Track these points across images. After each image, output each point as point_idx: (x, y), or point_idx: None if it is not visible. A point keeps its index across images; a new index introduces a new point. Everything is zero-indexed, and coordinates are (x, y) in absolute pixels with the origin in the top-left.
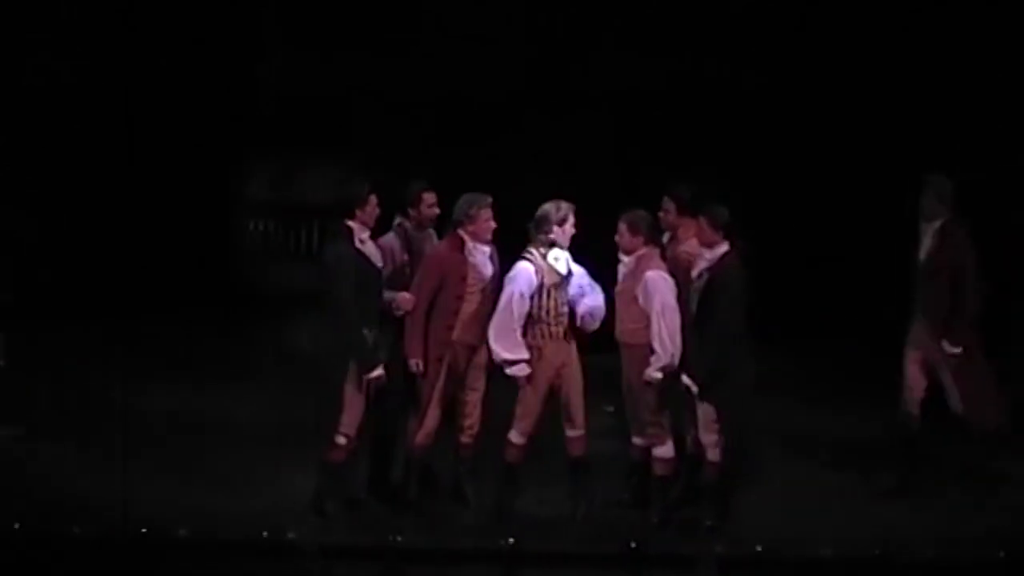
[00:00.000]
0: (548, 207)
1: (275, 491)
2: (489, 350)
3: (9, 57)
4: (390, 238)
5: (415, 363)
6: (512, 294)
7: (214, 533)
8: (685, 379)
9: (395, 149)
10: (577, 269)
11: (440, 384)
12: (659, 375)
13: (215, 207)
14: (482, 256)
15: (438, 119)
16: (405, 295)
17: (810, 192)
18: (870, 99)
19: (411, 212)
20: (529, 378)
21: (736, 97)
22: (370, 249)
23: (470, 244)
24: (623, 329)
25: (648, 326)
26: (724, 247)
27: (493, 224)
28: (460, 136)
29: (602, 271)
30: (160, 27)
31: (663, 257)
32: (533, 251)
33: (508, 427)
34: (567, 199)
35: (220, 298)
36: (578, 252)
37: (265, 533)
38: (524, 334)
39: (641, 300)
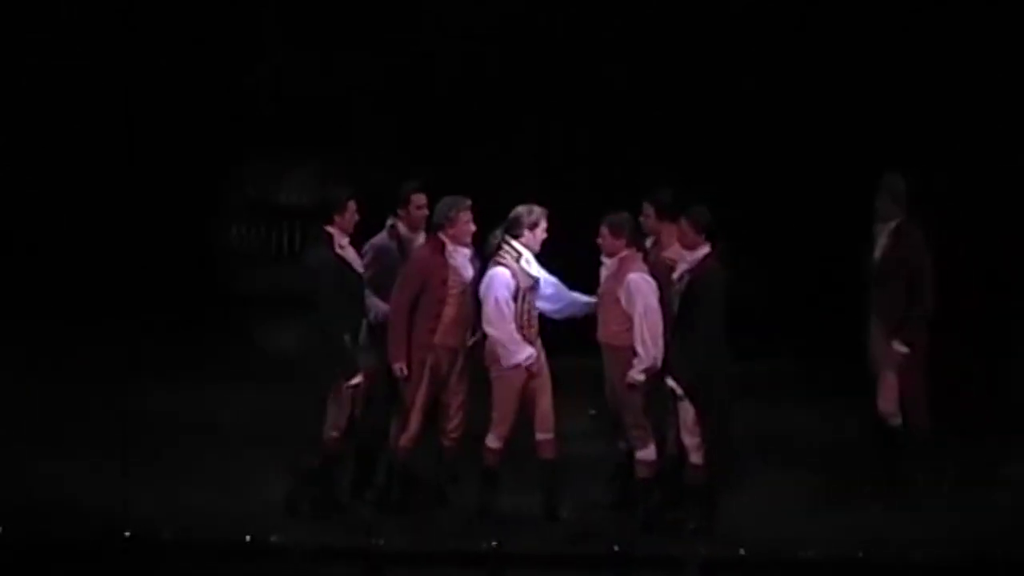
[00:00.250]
0: (521, 210)
1: (258, 494)
2: (494, 355)
3: None
4: (383, 239)
5: (399, 367)
6: (497, 300)
7: (197, 535)
8: (669, 382)
9: (384, 151)
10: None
11: (423, 387)
12: (642, 377)
13: (198, 209)
14: (463, 259)
15: (426, 121)
16: (382, 306)
17: (788, 194)
18: (846, 100)
19: (400, 213)
20: (503, 382)
21: (715, 101)
22: (350, 255)
23: (450, 247)
24: (605, 332)
25: (630, 328)
26: (705, 249)
27: (473, 227)
28: (448, 139)
29: (585, 274)
30: (141, 30)
31: (645, 260)
32: (506, 255)
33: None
34: (543, 203)
35: (202, 300)
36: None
37: (248, 536)
38: None
39: (623, 302)
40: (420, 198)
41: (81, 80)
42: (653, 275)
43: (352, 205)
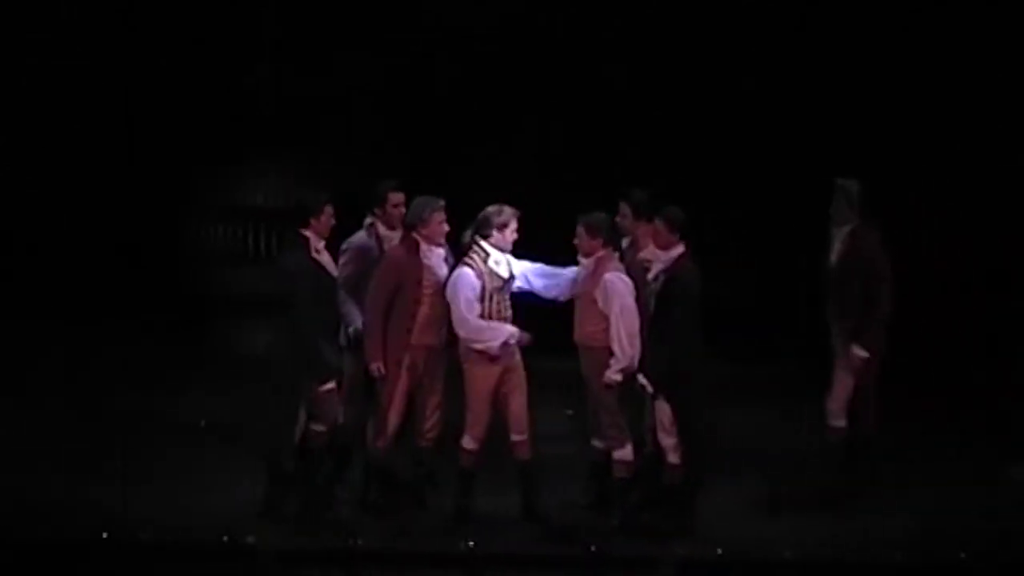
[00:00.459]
0: (490, 210)
1: (234, 495)
2: (468, 353)
3: None
4: (362, 238)
5: (376, 367)
6: (460, 301)
7: (174, 537)
8: (641, 379)
9: (368, 152)
10: (527, 265)
11: (400, 387)
12: (619, 377)
13: (175, 212)
14: (437, 258)
15: (421, 122)
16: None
17: (782, 196)
18: (832, 103)
19: (378, 212)
20: (475, 383)
21: (705, 102)
22: (325, 259)
23: (424, 247)
24: (582, 332)
25: (607, 328)
26: (680, 248)
27: (446, 227)
28: (429, 140)
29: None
30: (121, 33)
31: (621, 260)
32: (474, 256)
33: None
34: (537, 204)
35: (178, 302)
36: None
37: (225, 537)
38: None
39: (600, 302)
40: (397, 196)
41: (57, 79)
42: (629, 275)
43: (329, 209)
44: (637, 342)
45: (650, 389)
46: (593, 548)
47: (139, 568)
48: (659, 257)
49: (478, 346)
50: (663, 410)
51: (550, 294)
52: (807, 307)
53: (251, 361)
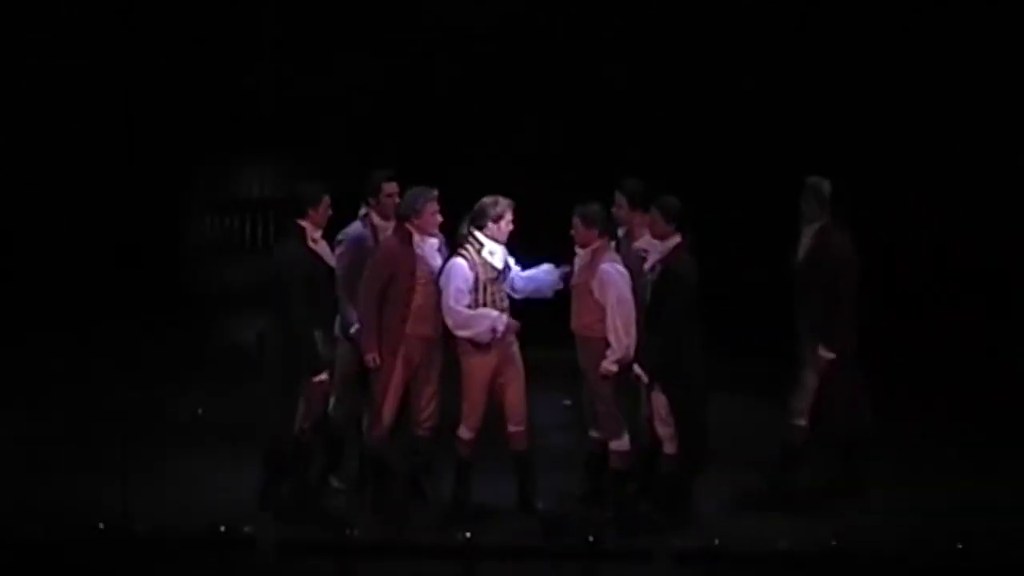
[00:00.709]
0: (486, 201)
1: (230, 486)
2: (460, 339)
3: None
4: (358, 228)
5: (371, 358)
6: (450, 291)
7: (170, 528)
8: (636, 369)
9: (364, 151)
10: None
11: (395, 378)
12: (615, 368)
13: (170, 204)
14: (430, 248)
15: (408, 122)
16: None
17: (763, 193)
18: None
19: (372, 202)
20: (471, 373)
21: (702, 99)
22: (322, 249)
23: (417, 237)
24: (579, 322)
25: (604, 319)
26: (676, 239)
27: (439, 217)
28: (429, 140)
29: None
30: (113, 32)
31: (617, 251)
32: (468, 247)
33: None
34: (535, 199)
35: (172, 294)
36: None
37: (222, 528)
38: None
39: (596, 293)
40: (391, 186)
41: (56, 79)
42: (625, 265)
43: (327, 200)
44: (633, 332)
45: (646, 379)
46: (589, 539)
47: (136, 560)
48: (655, 247)
49: (465, 334)
50: (659, 401)
51: (536, 294)
52: None
53: (248, 352)
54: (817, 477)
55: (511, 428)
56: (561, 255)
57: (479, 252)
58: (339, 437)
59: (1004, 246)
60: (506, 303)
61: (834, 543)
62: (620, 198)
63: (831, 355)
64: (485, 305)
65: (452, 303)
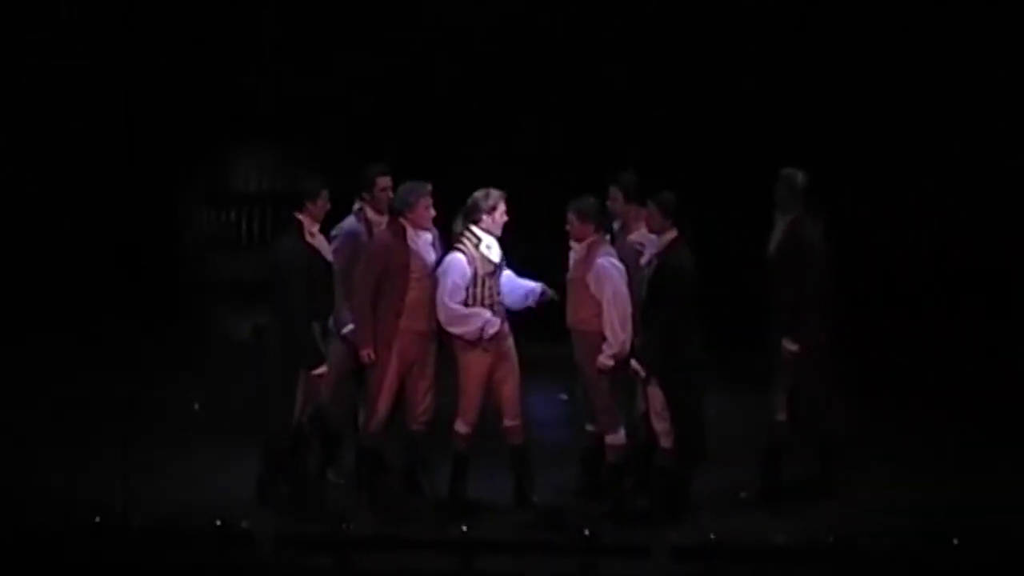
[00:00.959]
0: (478, 195)
1: (228, 480)
2: (454, 336)
3: None
4: (352, 223)
5: (366, 353)
6: (446, 286)
7: (167, 522)
8: (634, 363)
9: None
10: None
11: (390, 372)
12: (611, 362)
13: (167, 197)
14: (424, 243)
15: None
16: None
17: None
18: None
19: (366, 196)
20: (467, 368)
21: (700, 96)
22: (320, 242)
23: (411, 232)
24: (575, 317)
25: (600, 314)
26: (673, 233)
27: (433, 212)
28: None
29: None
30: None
31: (612, 244)
32: (465, 242)
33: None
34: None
35: (170, 287)
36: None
37: (219, 521)
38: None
39: (592, 287)
40: (385, 181)
41: (42, 74)
42: (621, 259)
43: (325, 194)
44: (629, 327)
45: (643, 374)
46: (586, 533)
47: (134, 554)
48: (652, 241)
49: (455, 331)
50: (656, 395)
51: (514, 305)
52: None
53: (245, 346)
54: (799, 474)
55: (507, 423)
56: (559, 252)
57: (477, 247)
58: (336, 432)
59: (1004, 246)
60: (500, 297)
61: (831, 539)
62: (615, 191)
63: (794, 347)
64: (481, 299)
65: (447, 299)
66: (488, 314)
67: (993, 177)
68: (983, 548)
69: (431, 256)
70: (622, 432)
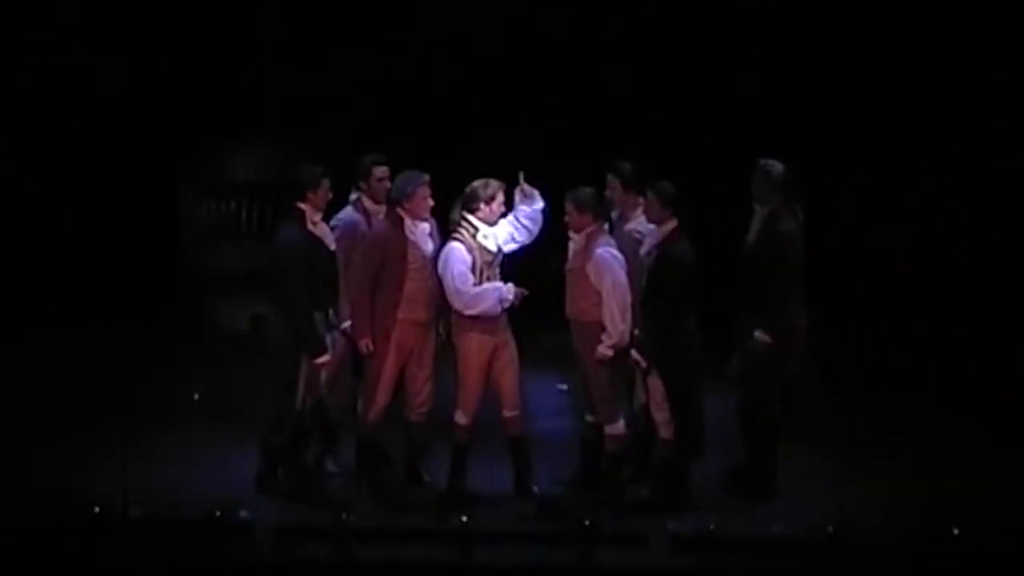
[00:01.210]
0: (477, 184)
1: (227, 471)
2: (457, 325)
3: None
4: (350, 213)
5: (364, 344)
6: (453, 276)
7: (166, 512)
8: (634, 354)
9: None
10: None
11: (389, 363)
12: (610, 352)
13: (168, 188)
14: (422, 233)
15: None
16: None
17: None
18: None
19: (363, 186)
20: (467, 359)
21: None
22: (323, 231)
23: (409, 222)
24: (574, 307)
25: (599, 304)
26: (673, 223)
27: (431, 202)
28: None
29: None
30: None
31: (611, 234)
32: (463, 231)
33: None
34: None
35: (170, 278)
36: None
37: (218, 512)
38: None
39: (592, 278)
40: (382, 170)
41: (42, 74)
42: (620, 248)
43: (326, 183)
44: (629, 317)
45: (643, 364)
46: (585, 523)
47: (133, 544)
48: (650, 231)
49: (475, 312)
50: (655, 386)
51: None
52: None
53: (245, 337)
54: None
55: (506, 413)
56: (559, 247)
57: (474, 236)
58: (335, 421)
59: (1004, 246)
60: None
61: (830, 529)
62: (612, 180)
63: (767, 339)
64: None
65: (459, 285)
66: (500, 284)
67: (992, 177)
68: (983, 548)
69: (429, 246)
70: (621, 422)
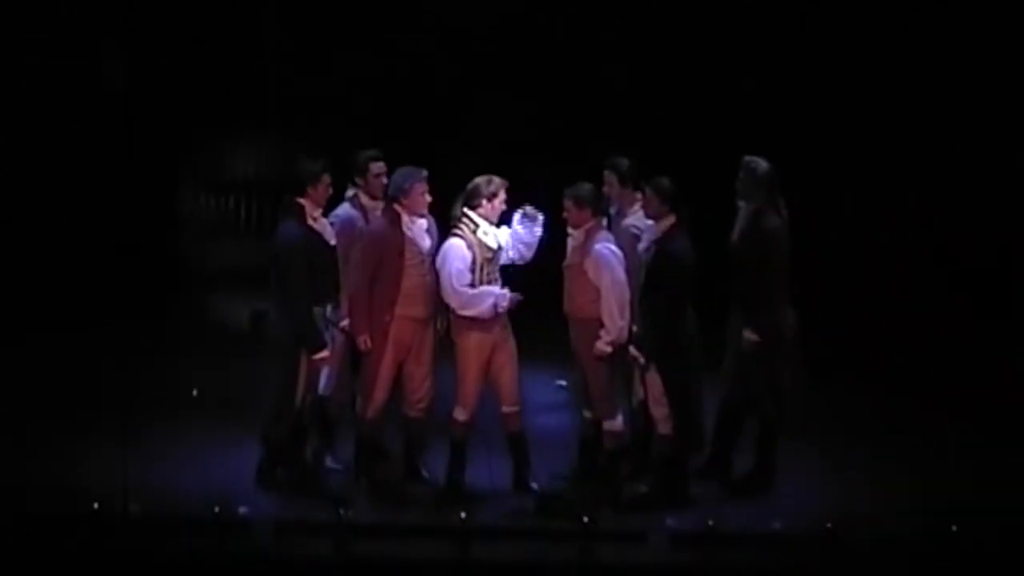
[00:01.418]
0: (479, 181)
1: (226, 467)
2: (456, 321)
3: None
4: (347, 210)
5: (362, 340)
6: (451, 272)
7: (165, 509)
8: (632, 350)
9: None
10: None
11: (387, 359)
12: (609, 349)
13: (167, 183)
14: (419, 229)
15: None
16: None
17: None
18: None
19: (360, 182)
20: (466, 355)
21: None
22: (323, 226)
23: (406, 218)
24: (572, 304)
25: (597, 300)
26: (671, 219)
27: (428, 198)
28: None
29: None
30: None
31: (609, 230)
32: (463, 227)
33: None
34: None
35: (169, 273)
36: None
37: (217, 508)
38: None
39: (590, 274)
40: (378, 166)
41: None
42: (618, 244)
43: (326, 178)
44: (628, 313)
45: (642, 360)
46: (585, 520)
47: (132, 541)
48: (648, 226)
49: (469, 313)
50: (654, 381)
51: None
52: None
53: (244, 333)
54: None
55: (505, 409)
56: (558, 242)
57: (474, 232)
58: (334, 417)
59: (1004, 246)
60: (499, 283)
61: (829, 525)
62: (610, 176)
63: (755, 338)
64: (481, 284)
65: (455, 284)
66: (497, 289)
67: (992, 177)
68: (982, 547)
69: (427, 242)
70: (620, 419)
